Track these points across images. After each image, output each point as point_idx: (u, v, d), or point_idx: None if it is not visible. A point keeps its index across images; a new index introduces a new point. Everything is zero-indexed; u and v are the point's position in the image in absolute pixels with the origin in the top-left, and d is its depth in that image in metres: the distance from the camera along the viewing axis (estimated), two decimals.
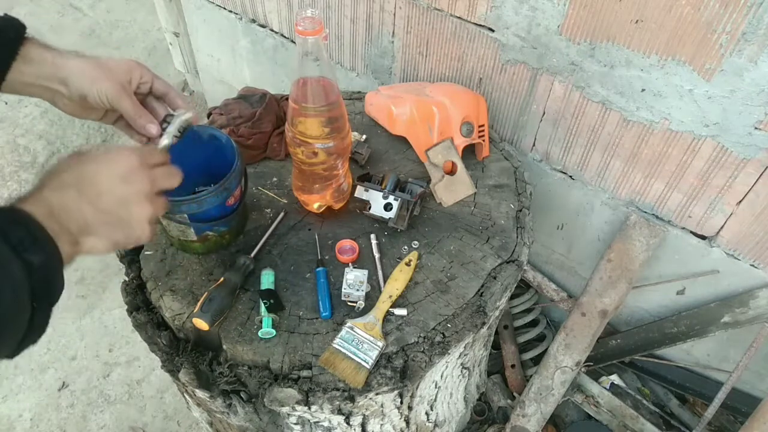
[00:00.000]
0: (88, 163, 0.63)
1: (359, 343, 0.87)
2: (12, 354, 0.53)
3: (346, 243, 1.03)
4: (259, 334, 0.88)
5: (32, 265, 0.52)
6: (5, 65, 0.72)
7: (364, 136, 1.27)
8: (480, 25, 1.29)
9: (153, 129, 0.80)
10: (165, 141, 0.79)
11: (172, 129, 0.80)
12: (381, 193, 1.05)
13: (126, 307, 0.99)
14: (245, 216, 1.08)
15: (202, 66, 2.43)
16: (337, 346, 0.87)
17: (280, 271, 0.99)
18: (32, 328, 0.53)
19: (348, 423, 0.93)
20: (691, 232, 1.26)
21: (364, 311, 0.92)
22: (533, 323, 1.65)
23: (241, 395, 0.89)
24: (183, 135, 0.82)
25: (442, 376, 1.06)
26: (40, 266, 0.53)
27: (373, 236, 1.05)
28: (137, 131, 0.82)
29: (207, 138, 0.97)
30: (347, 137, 0.98)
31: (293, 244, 1.05)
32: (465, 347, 1.03)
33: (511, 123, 1.41)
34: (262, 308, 0.90)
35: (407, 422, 1.06)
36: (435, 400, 1.11)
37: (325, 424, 0.94)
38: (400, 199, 1.04)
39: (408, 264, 0.98)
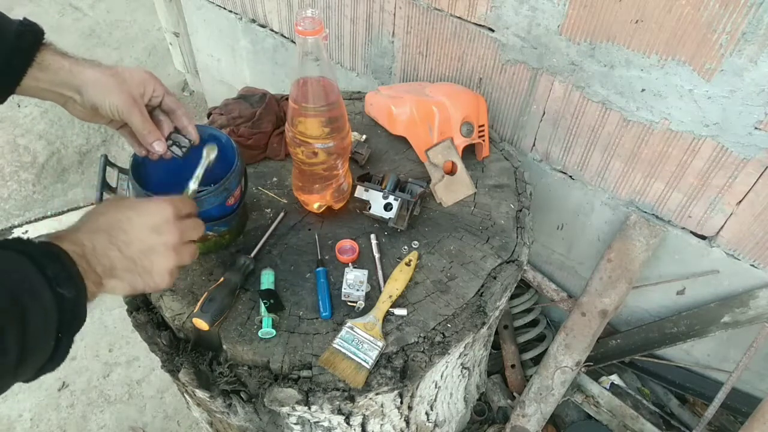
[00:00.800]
0: (124, 210, 0.66)
1: (359, 343, 0.87)
2: (30, 378, 0.56)
3: (346, 243, 1.03)
4: (259, 334, 0.89)
5: (63, 298, 0.55)
6: (21, 71, 0.73)
7: (364, 136, 1.27)
8: (480, 25, 1.29)
9: (159, 147, 0.82)
10: (193, 186, 0.80)
11: (200, 171, 0.81)
12: (381, 193, 1.05)
13: (126, 307, 0.99)
14: (245, 216, 1.08)
15: (202, 66, 2.43)
16: (337, 346, 0.87)
17: (280, 271, 0.99)
18: (54, 355, 0.56)
19: (348, 423, 0.93)
20: (691, 232, 1.26)
21: (364, 311, 0.92)
22: (533, 323, 1.65)
23: (241, 395, 0.89)
24: (186, 153, 0.84)
25: (442, 376, 1.06)
26: (69, 300, 0.56)
27: (373, 236, 1.05)
28: (143, 145, 0.82)
29: (207, 138, 0.97)
30: (347, 137, 0.98)
31: (293, 244, 1.05)
32: (465, 347, 1.03)
33: (511, 123, 1.41)
34: (262, 308, 0.90)
35: (407, 422, 1.06)
36: (435, 400, 1.11)
37: (325, 424, 0.94)
38: (400, 199, 1.04)
39: (408, 264, 0.98)
